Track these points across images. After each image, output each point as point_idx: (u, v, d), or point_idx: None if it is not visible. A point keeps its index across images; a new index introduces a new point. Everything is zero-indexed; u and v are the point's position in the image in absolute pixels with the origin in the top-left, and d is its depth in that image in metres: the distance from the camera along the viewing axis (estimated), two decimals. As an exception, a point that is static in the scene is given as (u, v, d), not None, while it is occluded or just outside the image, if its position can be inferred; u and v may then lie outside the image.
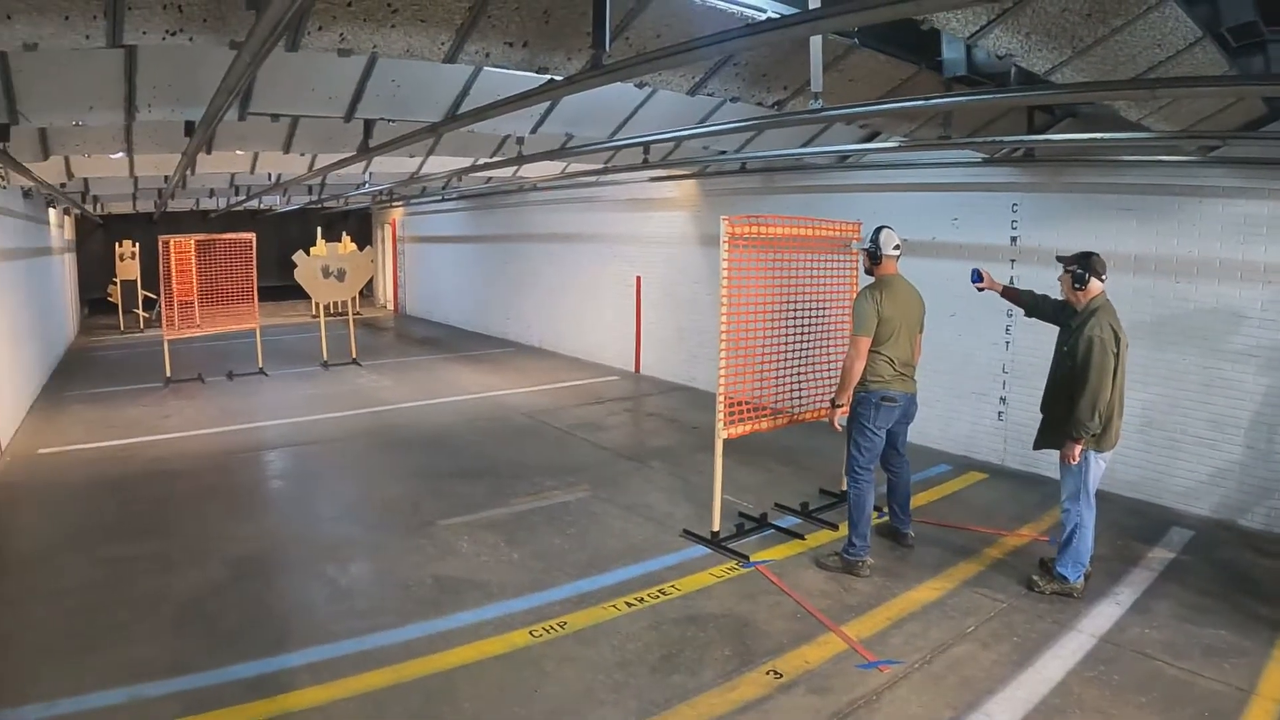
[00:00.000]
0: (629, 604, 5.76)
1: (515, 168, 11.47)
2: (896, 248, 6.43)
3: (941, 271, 9.03)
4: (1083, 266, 5.74)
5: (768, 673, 4.90)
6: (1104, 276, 5.76)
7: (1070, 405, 5.63)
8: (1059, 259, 5.95)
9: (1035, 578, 5.99)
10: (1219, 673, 4.87)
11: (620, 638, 5.30)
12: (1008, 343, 8.85)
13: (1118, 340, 5.56)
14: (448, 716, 4.46)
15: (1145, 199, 7.70)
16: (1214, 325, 7.32)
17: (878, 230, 6.45)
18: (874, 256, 6.42)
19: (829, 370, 7.43)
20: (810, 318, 7.32)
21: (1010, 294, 6.48)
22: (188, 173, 9.79)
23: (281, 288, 21.39)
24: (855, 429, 6.38)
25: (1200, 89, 4.34)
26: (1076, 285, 5.77)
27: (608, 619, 5.55)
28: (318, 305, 16.06)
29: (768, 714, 4.50)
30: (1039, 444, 6.03)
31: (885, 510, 6.98)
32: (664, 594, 5.92)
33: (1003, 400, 9.00)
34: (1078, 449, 5.65)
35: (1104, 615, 5.58)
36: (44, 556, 6.54)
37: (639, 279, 14.40)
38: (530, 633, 5.35)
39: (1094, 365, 5.51)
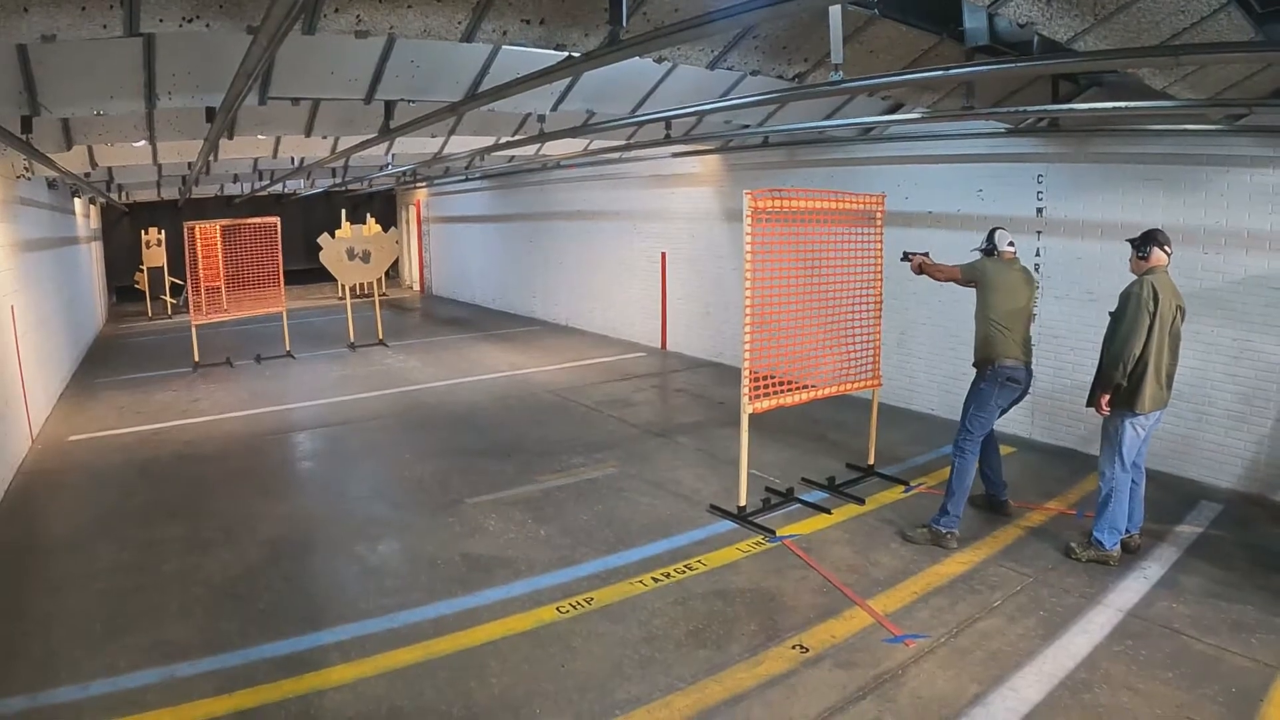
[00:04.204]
0: (656, 579, 5.79)
1: (538, 146, 11.45)
2: (1011, 244, 6.59)
3: (968, 244, 8.94)
4: (1144, 239, 5.86)
5: (794, 647, 4.91)
6: (1168, 248, 5.83)
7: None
8: (1128, 240, 6.00)
9: (1074, 545, 6.04)
10: (1246, 648, 4.83)
11: (647, 613, 5.33)
12: (1035, 314, 8.73)
13: (1156, 299, 5.61)
14: (476, 693, 4.50)
15: (1172, 169, 7.57)
16: (1243, 297, 7.21)
17: (992, 231, 6.64)
18: (990, 254, 6.58)
19: (854, 344, 7.40)
20: (835, 291, 7.26)
21: None
22: (211, 158, 9.85)
23: (307, 271, 21.53)
24: (975, 402, 6.41)
25: (1225, 55, 4.27)
26: (1140, 256, 5.86)
27: (635, 594, 5.58)
28: (344, 287, 16.14)
29: (794, 688, 4.52)
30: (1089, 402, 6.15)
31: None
32: (690, 569, 5.94)
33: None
34: (1104, 400, 5.81)
35: (1131, 590, 5.55)
36: (77, 541, 6.65)
37: (664, 255, 14.37)
38: (558, 609, 5.39)
39: (1126, 318, 5.68)
